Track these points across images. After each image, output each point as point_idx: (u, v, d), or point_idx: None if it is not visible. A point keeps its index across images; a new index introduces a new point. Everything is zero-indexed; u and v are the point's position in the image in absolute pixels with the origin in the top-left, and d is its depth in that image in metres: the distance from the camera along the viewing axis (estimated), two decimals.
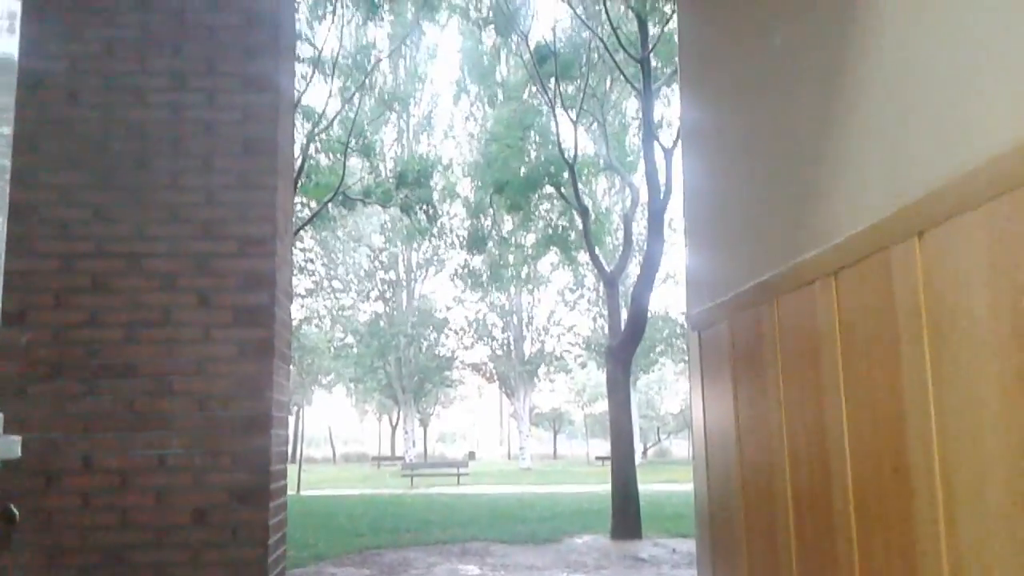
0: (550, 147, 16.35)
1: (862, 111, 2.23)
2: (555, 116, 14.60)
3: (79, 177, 4.08)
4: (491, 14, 17.19)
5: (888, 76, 2.09)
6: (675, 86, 16.09)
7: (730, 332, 3.19)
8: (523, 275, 30.67)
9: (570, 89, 15.65)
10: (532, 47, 15.22)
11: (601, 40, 14.13)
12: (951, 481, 1.76)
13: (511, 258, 24.40)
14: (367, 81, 17.12)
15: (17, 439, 1.37)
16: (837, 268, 2.29)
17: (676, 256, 34.64)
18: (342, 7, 15.52)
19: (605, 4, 13.22)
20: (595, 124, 16.79)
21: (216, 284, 4.03)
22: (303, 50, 14.94)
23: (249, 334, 3.99)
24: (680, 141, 4.36)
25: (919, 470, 1.87)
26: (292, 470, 26.26)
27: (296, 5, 5.18)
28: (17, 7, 1.61)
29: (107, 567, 3.76)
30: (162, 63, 4.21)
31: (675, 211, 27.39)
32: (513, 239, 23.20)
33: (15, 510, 1.36)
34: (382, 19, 17.40)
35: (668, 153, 12.95)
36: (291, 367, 4.60)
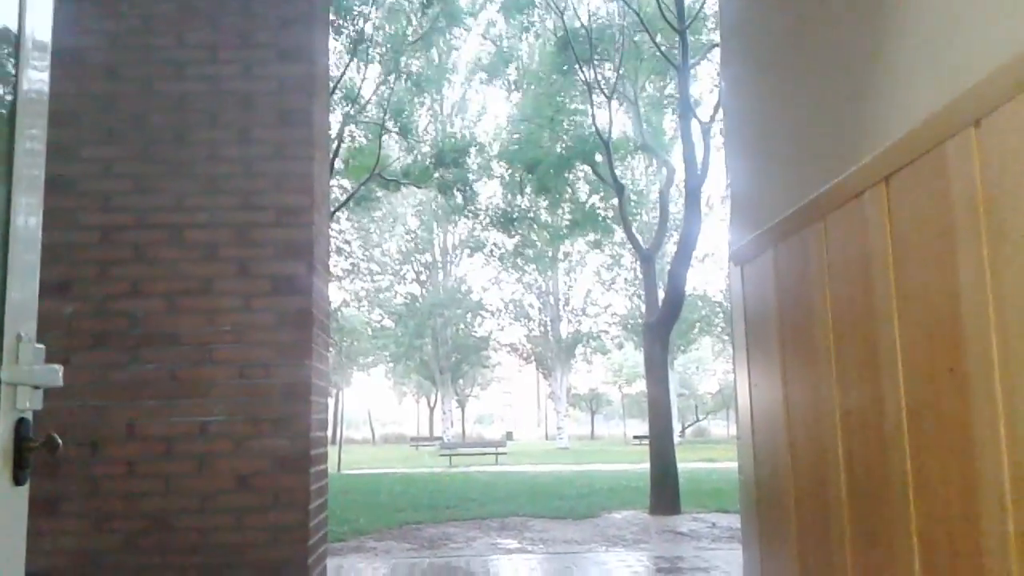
0: (584, 127, 16.31)
1: (908, 7, 2.18)
2: (590, 94, 14.53)
3: (119, 150, 4.13)
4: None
5: None
6: (708, 61, 15.97)
7: (774, 262, 3.11)
8: (558, 255, 30.69)
9: (605, 69, 15.59)
10: (566, 25, 15.17)
11: (636, 14, 14.01)
12: (1012, 382, 1.72)
13: (545, 236, 24.40)
14: (403, 61, 17.10)
15: (59, 368, 1.39)
16: (888, 174, 2.22)
17: (714, 234, 34.45)
18: None
19: None
20: (627, 103, 16.69)
21: (255, 254, 4.07)
22: (339, 31, 14.99)
23: (288, 303, 4.02)
24: (721, 61, 4.24)
25: (977, 371, 1.83)
26: (332, 451, 26.57)
27: None
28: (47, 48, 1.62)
29: (153, 532, 3.83)
30: (198, 36, 4.24)
31: (713, 188, 27.19)
32: (548, 219, 23.21)
33: (58, 439, 1.38)
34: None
35: (705, 128, 12.85)
36: (331, 349, 4.63)
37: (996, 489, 1.77)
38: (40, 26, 1.60)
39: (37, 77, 1.58)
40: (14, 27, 1.53)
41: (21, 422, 1.28)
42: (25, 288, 1.32)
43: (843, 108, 2.61)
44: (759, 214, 3.34)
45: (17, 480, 1.28)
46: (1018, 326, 1.70)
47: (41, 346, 1.33)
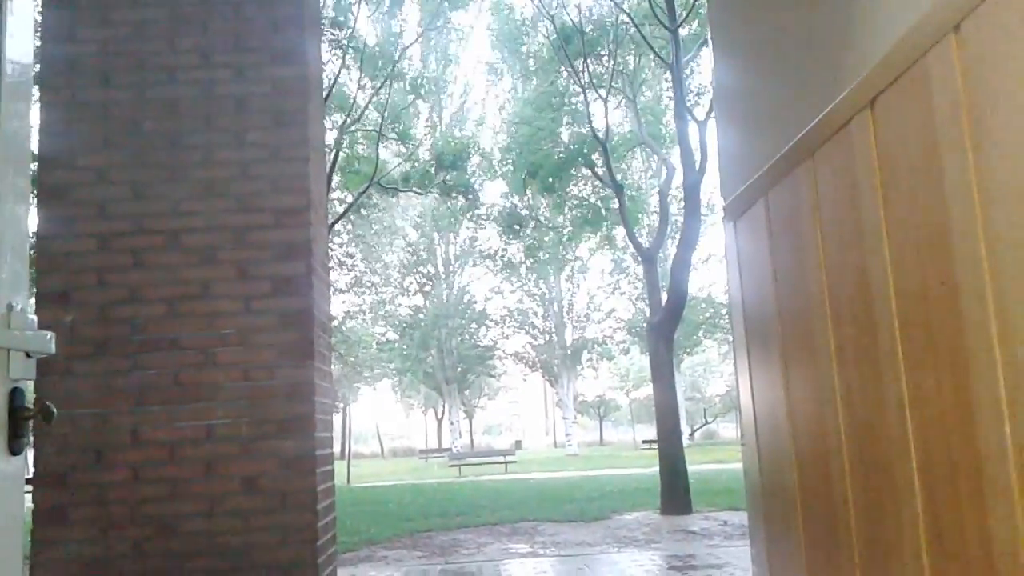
0: (583, 128, 16.33)
1: None
2: (585, 95, 14.54)
3: (115, 157, 4.12)
4: None
5: None
6: (704, 55, 15.97)
7: (766, 209, 3.09)
8: (560, 258, 30.68)
9: (599, 68, 15.61)
10: (559, 26, 15.19)
11: (628, 15, 14.04)
12: (1002, 287, 1.69)
13: (551, 238, 24.41)
14: (396, 67, 17.11)
15: (50, 334, 1.38)
16: (872, 97, 2.21)
17: (716, 236, 34.44)
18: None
19: None
20: (625, 101, 16.72)
21: (253, 256, 4.06)
22: (332, 37, 15.03)
23: (288, 304, 4.01)
24: (708, 15, 4.22)
25: (967, 280, 1.81)
26: (341, 465, 26.48)
27: None
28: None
29: (160, 538, 3.81)
30: (190, 41, 4.24)
31: (712, 187, 27.22)
32: (549, 222, 23.24)
33: (53, 407, 1.37)
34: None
35: (702, 126, 12.85)
36: (336, 363, 4.62)
37: (992, 397, 1.75)
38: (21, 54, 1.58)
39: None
40: None
41: (15, 392, 1.28)
42: (15, 261, 1.31)
43: (828, 39, 2.59)
44: (749, 164, 3.32)
45: (13, 450, 1.27)
46: (1007, 228, 1.68)
47: (34, 316, 1.32)
